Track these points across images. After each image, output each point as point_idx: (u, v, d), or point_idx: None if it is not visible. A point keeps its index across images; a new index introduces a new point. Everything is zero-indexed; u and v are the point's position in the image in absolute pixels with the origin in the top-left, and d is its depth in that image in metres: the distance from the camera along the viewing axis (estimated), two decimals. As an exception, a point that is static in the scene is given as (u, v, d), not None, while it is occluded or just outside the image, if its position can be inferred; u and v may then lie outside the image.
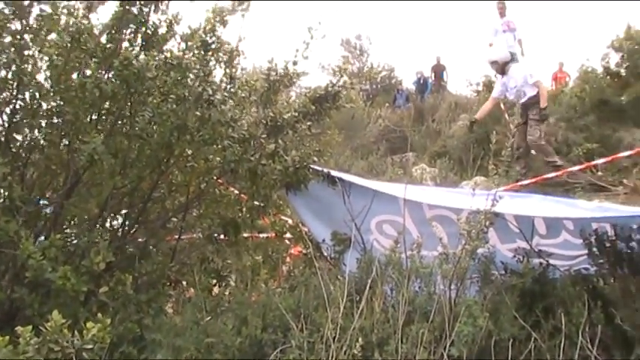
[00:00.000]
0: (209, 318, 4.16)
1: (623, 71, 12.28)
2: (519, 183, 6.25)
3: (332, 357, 3.43)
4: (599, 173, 9.78)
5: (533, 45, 17.77)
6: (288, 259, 5.73)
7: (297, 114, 5.11)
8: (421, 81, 24.21)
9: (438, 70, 23.99)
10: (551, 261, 4.70)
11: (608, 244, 4.55)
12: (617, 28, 11.89)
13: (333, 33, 32.47)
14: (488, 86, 13.74)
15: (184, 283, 5.12)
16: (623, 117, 12.03)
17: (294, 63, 5.15)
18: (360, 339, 3.41)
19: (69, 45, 4.29)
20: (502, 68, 10.64)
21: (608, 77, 12.40)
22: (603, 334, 3.68)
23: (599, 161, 6.81)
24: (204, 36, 4.54)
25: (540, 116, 9.94)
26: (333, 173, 5.13)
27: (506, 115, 12.06)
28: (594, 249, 4.56)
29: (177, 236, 5.19)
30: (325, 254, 5.20)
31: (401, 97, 23.71)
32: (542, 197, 4.88)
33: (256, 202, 5.12)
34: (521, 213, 4.44)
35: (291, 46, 5.13)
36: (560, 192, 7.24)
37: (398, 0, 52.87)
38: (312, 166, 5.03)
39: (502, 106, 12.46)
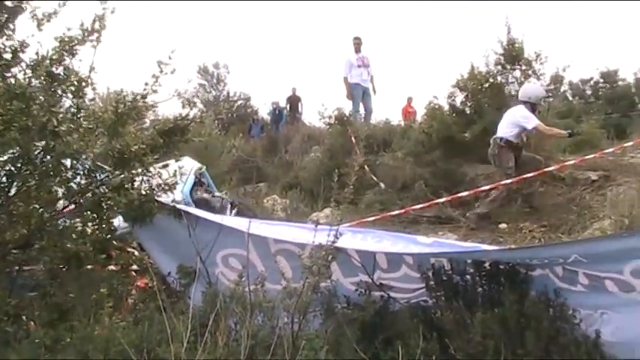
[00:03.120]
0: (48, 354, 4.03)
1: (467, 109, 12.82)
2: (365, 219, 6.47)
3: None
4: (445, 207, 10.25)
5: (385, 79, 18.42)
6: (133, 292, 5.64)
7: (145, 146, 5.06)
8: (276, 111, 24.45)
9: (294, 101, 24.31)
10: (392, 294, 4.90)
11: (444, 278, 4.82)
12: (462, 67, 12.39)
13: (191, 60, 32.39)
14: (339, 119, 14.04)
15: (24, 317, 4.94)
16: (467, 153, 12.54)
17: (144, 97, 5.10)
18: (202, 374, 3.43)
19: None
20: None
21: (454, 114, 12.91)
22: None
23: (442, 200, 7.14)
24: (50, 67, 4.45)
25: None
26: (179, 207, 5.13)
27: (357, 149, 12.38)
28: (431, 282, 4.80)
29: (16, 269, 5.00)
30: (171, 287, 5.18)
31: (256, 127, 23.88)
32: (384, 233, 5.08)
33: (101, 235, 5.03)
34: (362, 248, 4.60)
35: (144, 75, 5.08)
36: (405, 225, 7.55)
37: (260, 30, 53.20)
38: (158, 199, 5.02)
39: (353, 139, 12.80)
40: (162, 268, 5.36)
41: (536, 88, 10.71)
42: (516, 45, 12.31)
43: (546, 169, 8.30)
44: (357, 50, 15.39)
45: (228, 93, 31.87)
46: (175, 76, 5.05)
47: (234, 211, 8.77)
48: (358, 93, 15.42)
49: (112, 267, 5.61)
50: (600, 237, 5.59)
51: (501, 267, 4.70)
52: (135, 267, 5.56)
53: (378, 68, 15.67)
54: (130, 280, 5.69)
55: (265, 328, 4.08)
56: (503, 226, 9.84)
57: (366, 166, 11.44)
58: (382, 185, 11.09)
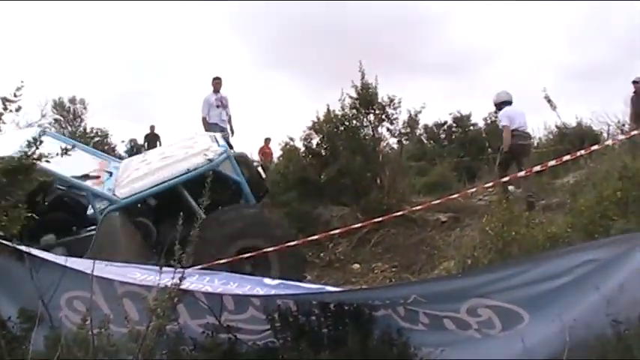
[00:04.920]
0: None
1: (323, 151, 13.01)
2: (216, 262, 6.47)
3: None
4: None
5: (243, 120, 18.48)
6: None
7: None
8: (134, 149, 24.05)
9: (152, 139, 24.02)
10: (239, 336, 4.93)
11: (290, 319, 4.91)
12: (319, 109, 12.59)
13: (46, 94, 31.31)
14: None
15: None
16: (322, 194, 12.74)
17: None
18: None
19: None
20: None
21: (310, 156, 13.06)
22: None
23: (294, 242, 7.24)
24: None
25: None
26: (21, 248, 4.96)
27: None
28: (277, 324, 4.88)
29: None
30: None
31: (113, 165, 23.31)
32: (231, 275, 5.12)
33: None
34: (209, 290, 4.62)
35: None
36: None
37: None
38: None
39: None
40: (2, 312, 5.14)
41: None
42: (370, 90, 12.70)
43: (397, 213, 8.61)
44: (217, 90, 15.38)
45: (84, 129, 30.92)
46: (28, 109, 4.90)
47: None
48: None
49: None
50: (437, 278, 5.91)
51: (346, 308, 4.85)
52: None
53: (236, 108, 15.74)
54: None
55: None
56: (356, 266, 10.12)
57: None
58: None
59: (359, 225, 7.48)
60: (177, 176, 8.15)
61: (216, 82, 15.43)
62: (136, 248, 7.76)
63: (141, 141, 24.18)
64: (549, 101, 15.55)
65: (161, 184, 8.10)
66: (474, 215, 11.05)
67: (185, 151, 8.87)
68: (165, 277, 4.21)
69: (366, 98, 12.73)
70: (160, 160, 8.84)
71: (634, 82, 13.80)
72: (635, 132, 9.30)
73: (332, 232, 8.01)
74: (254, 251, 7.38)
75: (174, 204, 7.82)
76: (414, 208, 7.82)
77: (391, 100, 12.82)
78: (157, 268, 4.36)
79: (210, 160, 8.26)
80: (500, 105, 12.35)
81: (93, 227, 7.95)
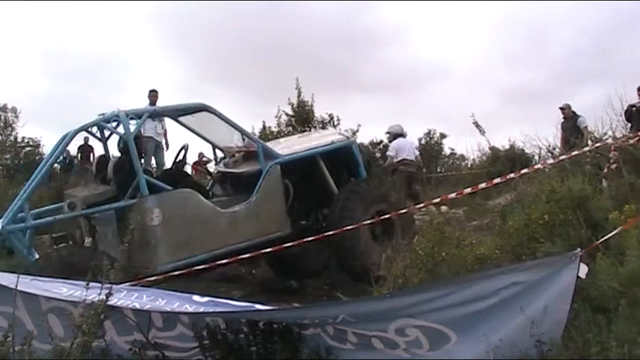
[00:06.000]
0: None
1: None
2: (146, 278, 6.39)
3: None
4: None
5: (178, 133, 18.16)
6: None
7: None
8: (67, 160, 23.54)
9: (86, 151, 23.52)
10: (167, 353, 4.89)
11: (219, 337, 4.88)
12: (256, 124, 12.66)
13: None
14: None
15: None
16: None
17: None
18: None
19: None
20: None
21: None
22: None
23: (225, 261, 7.20)
24: None
25: None
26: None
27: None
28: (206, 341, 4.85)
29: None
30: None
31: (45, 176, 22.77)
32: (159, 291, 5.05)
33: None
34: (137, 307, 4.56)
35: None
36: (186, 282, 7.50)
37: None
38: None
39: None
40: None
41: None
42: (306, 107, 12.80)
43: (329, 232, 8.65)
44: (152, 103, 15.13)
45: (15, 138, 30.15)
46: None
47: None
48: (151, 147, 15.14)
49: None
50: (366, 298, 5.94)
51: (275, 326, 4.87)
52: None
53: (171, 122, 15.59)
54: None
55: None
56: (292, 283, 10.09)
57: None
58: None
59: (290, 244, 7.45)
60: (324, 145, 9.38)
61: (153, 95, 15.18)
62: (282, 203, 8.78)
63: (74, 152, 23.60)
64: (478, 126, 15.97)
65: (313, 149, 9.30)
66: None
67: (319, 135, 10.41)
68: (92, 293, 4.16)
69: (302, 115, 12.82)
70: (298, 143, 9.86)
71: (561, 109, 14.19)
72: (564, 156, 9.59)
73: (263, 252, 7.95)
74: (383, 215, 8.58)
75: (307, 176, 9.27)
76: (346, 228, 7.86)
77: (331, 118, 12.95)
78: (84, 283, 4.29)
79: (348, 138, 9.93)
80: (394, 136, 14.23)
81: None
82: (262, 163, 8.63)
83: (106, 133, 8.54)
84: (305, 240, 7.70)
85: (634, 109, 12.30)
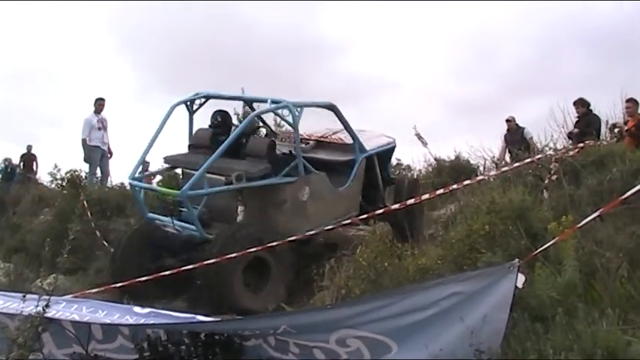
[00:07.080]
0: None
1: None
2: (89, 290, 6.33)
3: None
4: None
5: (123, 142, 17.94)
6: None
7: None
8: (8, 169, 23.03)
9: (28, 159, 23.06)
10: (108, 365, 4.86)
11: (160, 348, 4.85)
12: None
13: None
14: (72, 182, 13.52)
15: None
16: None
17: None
18: None
19: None
20: None
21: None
22: None
23: (167, 272, 7.14)
24: None
25: None
26: None
27: (88, 213, 11.98)
28: (146, 353, 4.82)
29: None
30: None
31: (-16, 185, 22.30)
32: (99, 303, 5.00)
33: None
34: (76, 319, 4.50)
35: None
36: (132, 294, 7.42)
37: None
38: None
39: (85, 202, 12.35)
40: None
41: None
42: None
43: (272, 243, 8.65)
44: (98, 111, 14.95)
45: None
46: None
47: None
48: (97, 156, 14.92)
49: None
50: (306, 309, 5.98)
51: (216, 337, 4.86)
52: None
53: (115, 130, 15.44)
54: None
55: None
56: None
57: (97, 231, 11.15)
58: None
59: (235, 254, 7.42)
60: (386, 145, 10.72)
61: (100, 104, 14.95)
62: (360, 189, 9.99)
63: (16, 161, 23.11)
64: (420, 138, 16.12)
65: (383, 146, 10.58)
66: (349, 245, 11.20)
67: (371, 134, 10.90)
68: (29, 305, 4.09)
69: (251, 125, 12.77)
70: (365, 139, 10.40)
71: (507, 121, 14.46)
72: (506, 168, 9.80)
73: (200, 264, 7.90)
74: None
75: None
76: (291, 238, 7.87)
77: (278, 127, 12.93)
78: (20, 295, 4.23)
79: (394, 140, 11.10)
80: None
81: None
82: (357, 154, 9.76)
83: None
84: (372, 214, 8.72)
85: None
